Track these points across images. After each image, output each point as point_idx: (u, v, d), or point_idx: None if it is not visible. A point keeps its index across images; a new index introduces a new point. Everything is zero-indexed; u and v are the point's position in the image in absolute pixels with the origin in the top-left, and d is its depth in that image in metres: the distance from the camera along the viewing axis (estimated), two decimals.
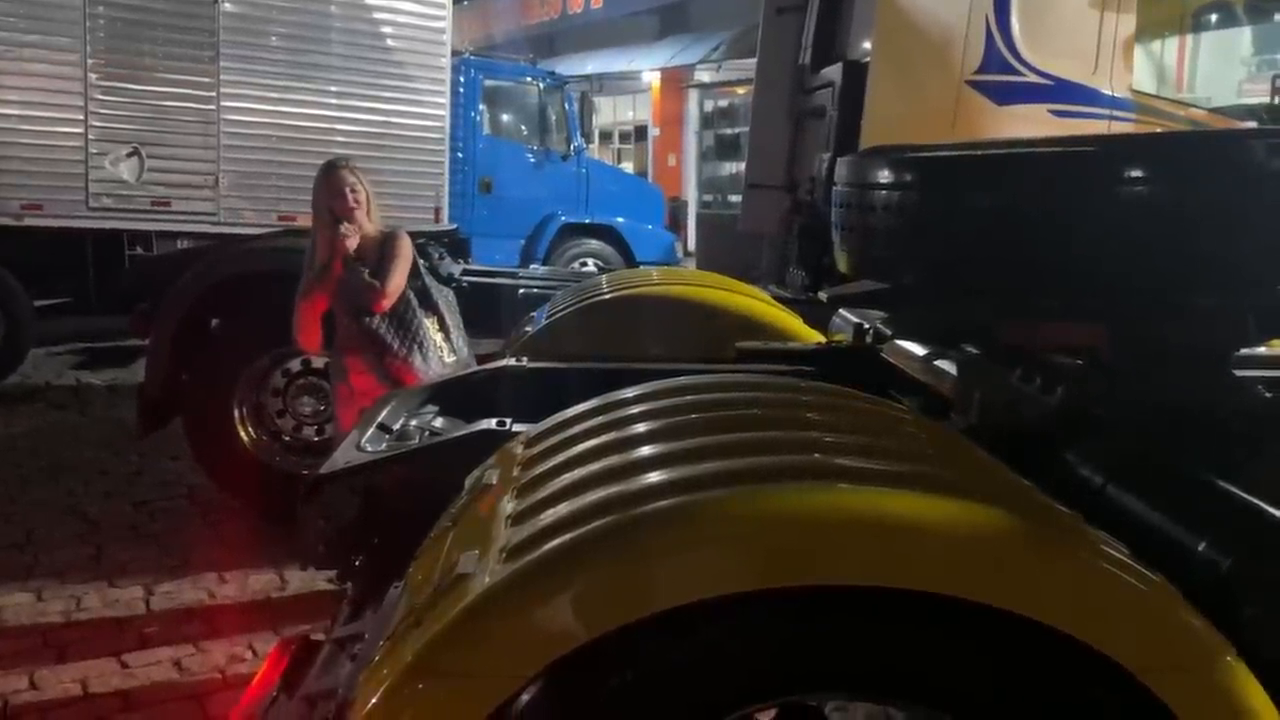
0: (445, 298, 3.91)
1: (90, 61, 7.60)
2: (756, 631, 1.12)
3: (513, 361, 2.56)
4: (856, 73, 5.49)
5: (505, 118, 10.61)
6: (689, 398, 1.58)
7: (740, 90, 14.24)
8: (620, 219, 10.53)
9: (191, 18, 7.93)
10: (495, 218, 9.76)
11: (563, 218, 10.25)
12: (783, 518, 1.11)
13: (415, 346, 3.64)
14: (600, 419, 1.55)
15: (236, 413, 4.66)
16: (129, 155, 7.81)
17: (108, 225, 7.83)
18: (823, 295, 2.84)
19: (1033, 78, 4.80)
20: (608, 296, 3.08)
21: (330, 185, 3.74)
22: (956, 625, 1.14)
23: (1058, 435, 1.70)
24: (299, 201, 8.57)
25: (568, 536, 1.14)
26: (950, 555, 1.13)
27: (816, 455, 1.28)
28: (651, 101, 19.53)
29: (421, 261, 3.90)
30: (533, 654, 1.11)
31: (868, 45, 5.52)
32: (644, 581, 1.10)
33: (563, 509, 1.22)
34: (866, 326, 2.63)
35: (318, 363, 4.80)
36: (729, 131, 12.98)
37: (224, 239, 7.61)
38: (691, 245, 14.36)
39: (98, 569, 4.19)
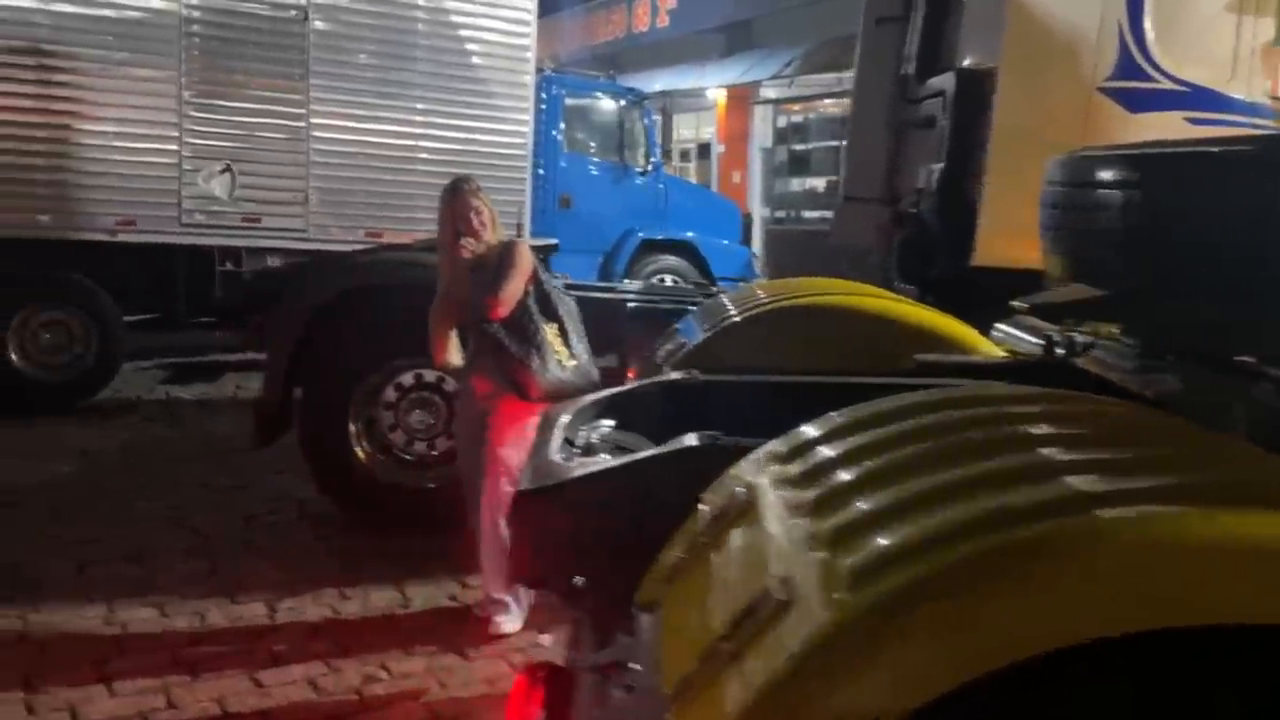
0: (567, 306, 3.88)
1: (185, 80, 7.71)
2: (1157, 678, 0.99)
3: (685, 374, 2.46)
4: (971, 81, 5.35)
5: (585, 134, 10.60)
6: (965, 412, 1.45)
7: (813, 106, 14.14)
8: (698, 234, 10.44)
9: (283, 35, 8.03)
10: (574, 233, 9.70)
11: (641, 233, 10.19)
12: (1196, 545, 0.98)
13: (534, 352, 3.62)
14: (870, 434, 1.43)
15: (352, 427, 4.62)
16: (221, 172, 7.90)
17: (199, 241, 7.91)
18: (1018, 303, 2.70)
19: (1167, 84, 4.62)
20: (770, 308, 2.96)
21: (455, 207, 3.80)
22: None
23: None
24: (385, 218, 8.69)
25: (925, 565, 1.03)
26: None
27: (1165, 475, 1.15)
28: (716, 118, 19.45)
29: (542, 271, 3.86)
30: (895, 695, 0.99)
31: (984, 53, 5.38)
32: (1029, 616, 0.98)
33: (897, 532, 1.11)
34: (1056, 337, 2.49)
35: (429, 376, 4.75)
36: (801, 147, 12.85)
37: (321, 254, 7.67)
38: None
39: (216, 584, 4.15)
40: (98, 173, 7.51)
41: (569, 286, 5.58)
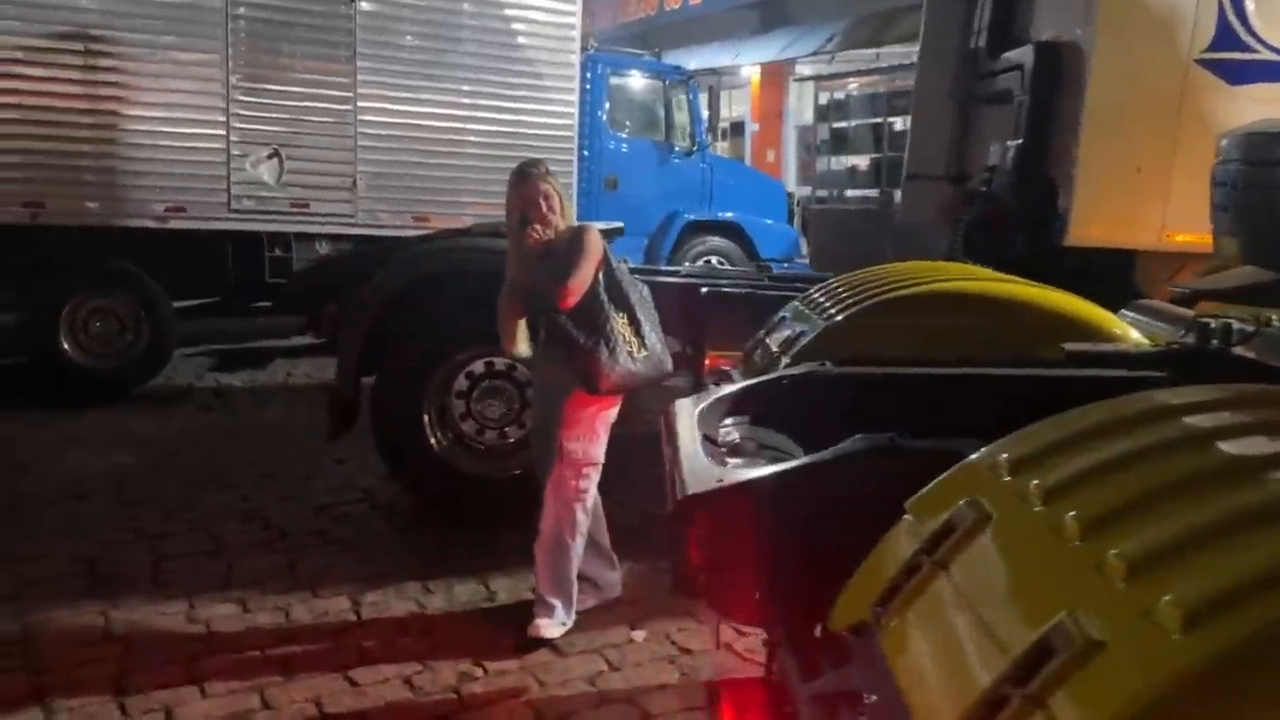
0: (639, 292, 3.73)
1: (231, 64, 7.61)
2: None
3: (815, 367, 2.35)
4: (1052, 54, 5.19)
5: (629, 114, 10.45)
6: (1230, 417, 1.32)
7: (854, 83, 13.91)
8: (744, 215, 10.28)
9: (330, 18, 7.92)
10: (620, 215, 9.53)
11: (687, 215, 10.04)
12: None
13: (602, 342, 3.46)
14: (1121, 443, 1.29)
15: (425, 416, 4.53)
16: (269, 157, 7.81)
17: (248, 227, 7.84)
18: (1178, 289, 2.57)
19: (1268, 55, 4.45)
20: (892, 296, 2.83)
21: (524, 192, 3.61)
22: None
23: None
24: (433, 202, 8.59)
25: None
26: None
27: None
28: (750, 96, 19.22)
29: (614, 257, 3.73)
30: None
31: (1065, 25, 5.20)
32: None
33: (1218, 564, 0.98)
34: (1213, 324, 2.35)
35: (500, 364, 4.65)
36: (842, 124, 12.64)
37: (379, 240, 7.60)
38: None
39: (295, 578, 4.08)
40: (146, 159, 7.44)
41: (633, 271, 5.49)
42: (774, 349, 2.73)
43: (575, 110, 8.92)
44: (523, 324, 3.68)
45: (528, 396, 4.71)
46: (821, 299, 2.96)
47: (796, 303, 3.04)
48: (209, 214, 7.67)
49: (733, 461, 1.93)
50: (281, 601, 3.85)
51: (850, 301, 2.83)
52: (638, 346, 3.57)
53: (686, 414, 2.19)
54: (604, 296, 3.53)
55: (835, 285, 3.05)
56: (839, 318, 2.73)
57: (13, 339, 7.31)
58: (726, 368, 3.50)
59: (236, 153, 7.69)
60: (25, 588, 3.95)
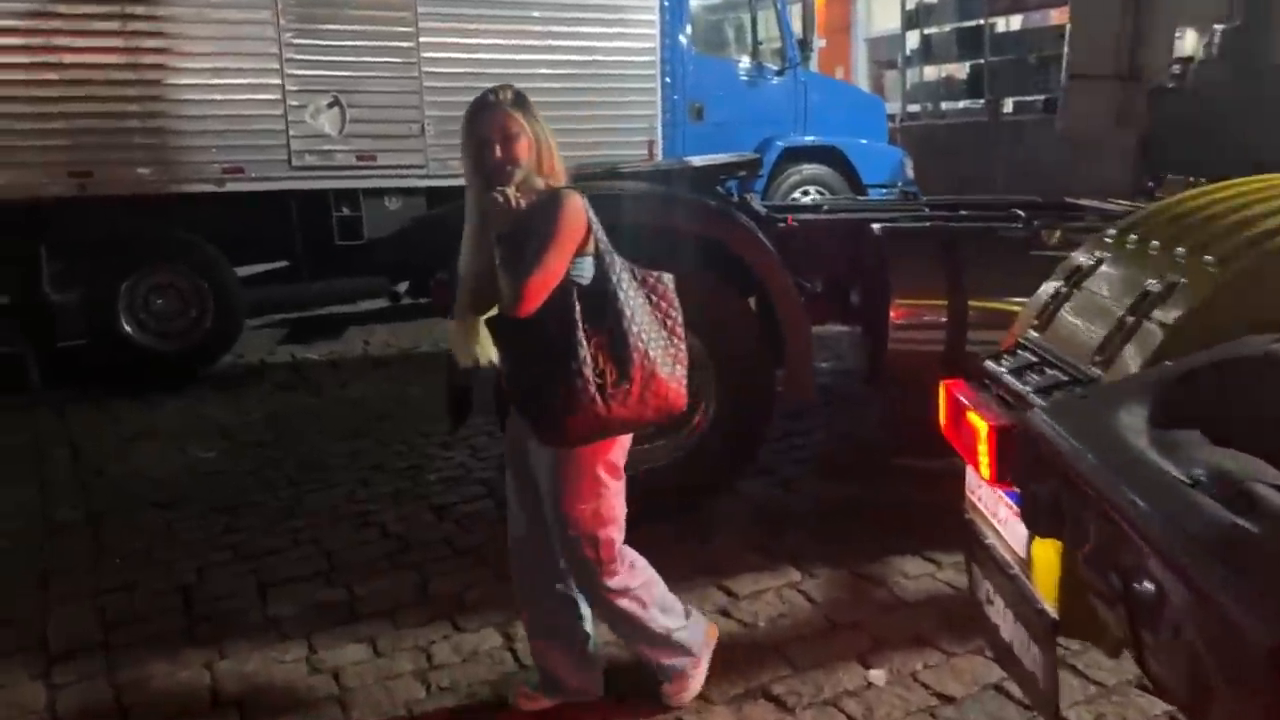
0: (631, 302, 2.42)
1: (281, 7, 6.86)
2: None
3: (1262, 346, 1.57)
4: None
5: (715, 33, 9.49)
6: None
7: None
8: (844, 138, 9.34)
9: None
10: (708, 146, 8.68)
11: (781, 142, 9.14)
12: None
13: (559, 370, 2.35)
14: None
15: None
16: (329, 106, 7.12)
17: (312, 185, 7.17)
18: None
19: None
20: None
21: (481, 132, 2.38)
22: None
23: None
24: None
25: None
26: None
27: None
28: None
29: (602, 242, 2.44)
30: None
31: None
32: None
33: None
34: None
35: None
36: (934, 30, 11.56)
37: (446, 194, 6.95)
38: None
39: (430, 604, 3.40)
40: (197, 117, 6.78)
41: (775, 210, 4.70)
42: (1118, 309, 1.94)
43: (656, 34, 8.07)
44: (482, 326, 2.51)
45: None
46: (1164, 229, 2.10)
47: (1106, 238, 2.25)
48: (269, 173, 7.02)
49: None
50: (419, 638, 3.18)
51: (1244, 233, 1.96)
52: (614, 378, 2.37)
53: (1103, 436, 1.42)
54: (575, 305, 2.36)
55: (1182, 209, 2.17)
56: (1245, 260, 1.86)
57: (72, 322, 6.74)
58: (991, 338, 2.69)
59: (294, 103, 7.00)
60: (112, 631, 3.32)
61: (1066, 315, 2.17)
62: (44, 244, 6.61)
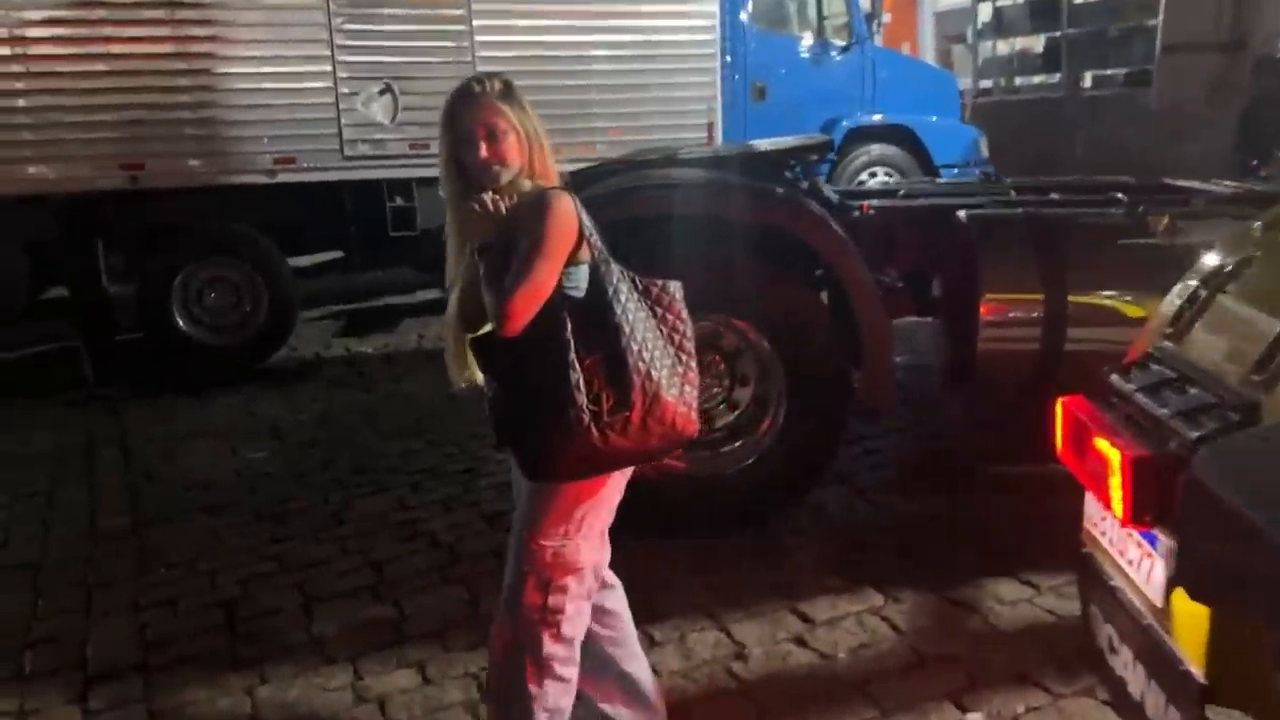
0: (630, 316, 2.08)
1: None
2: None
3: None
4: None
5: (776, 8, 9.13)
6: None
7: None
8: (914, 116, 8.93)
9: None
10: (770, 128, 8.35)
11: (846, 122, 8.77)
12: None
13: (550, 404, 2.03)
14: None
15: None
16: (381, 93, 6.94)
17: (365, 175, 7.00)
18: None
19: None
20: None
21: (460, 128, 2.10)
22: None
23: None
24: (562, 130, 7.53)
25: None
26: None
27: None
28: None
29: (597, 248, 2.11)
30: None
31: None
32: None
33: None
34: None
35: (724, 340, 3.64)
36: (1010, 2, 11.03)
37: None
38: None
39: (480, 624, 3.11)
40: (247, 106, 6.64)
41: (846, 196, 4.39)
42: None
43: (716, 10, 7.75)
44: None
45: (739, 372, 3.71)
46: None
47: (1253, 231, 1.94)
48: (321, 163, 6.86)
49: None
50: (469, 663, 2.96)
51: None
52: (611, 404, 2.04)
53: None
54: (566, 323, 2.03)
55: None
56: None
57: (129, 316, 6.68)
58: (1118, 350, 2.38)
59: (345, 91, 6.83)
60: (153, 651, 3.16)
61: (1209, 323, 1.86)
62: (101, 238, 6.56)
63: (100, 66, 6.24)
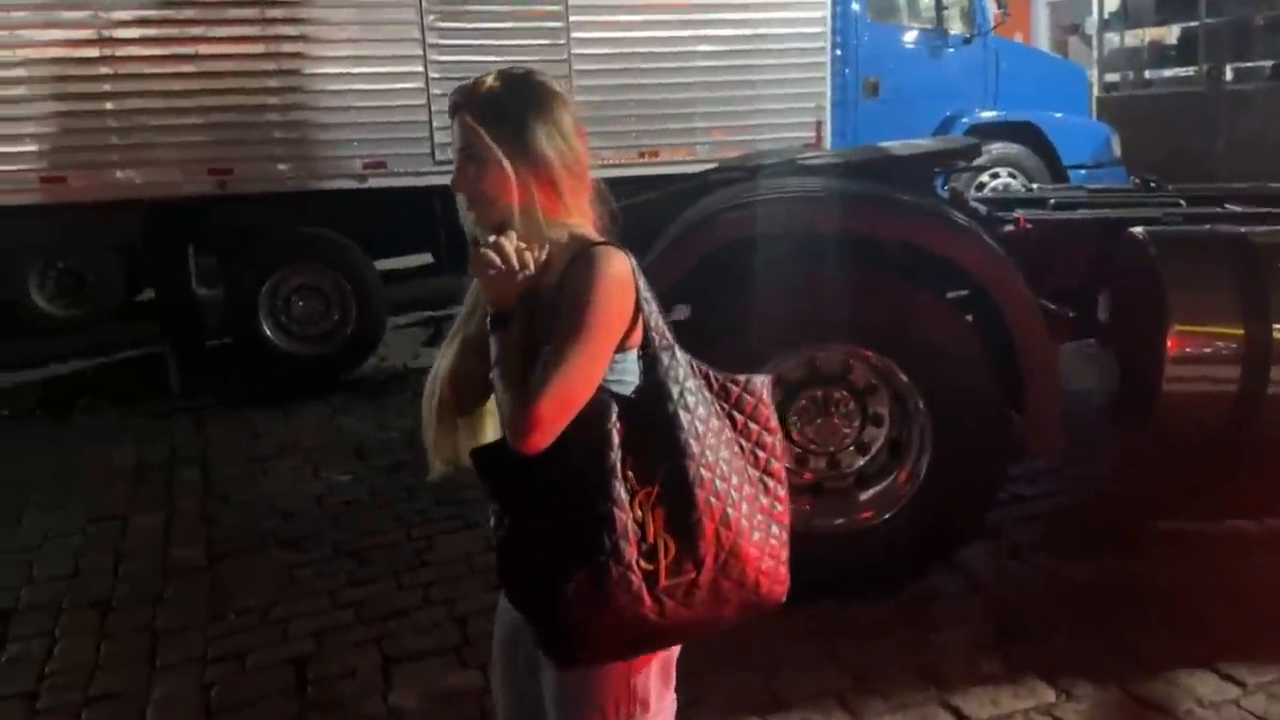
0: (685, 434, 1.48)
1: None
2: None
3: None
4: None
5: None
6: None
7: None
8: (1040, 113, 8.27)
9: None
10: (884, 126, 7.83)
11: (966, 118, 8.16)
12: None
13: (586, 546, 1.45)
14: None
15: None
16: None
17: None
18: None
19: None
20: None
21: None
22: None
23: None
24: (660, 131, 7.14)
25: None
26: None
27: None
28: None
29: (656, 330, 1.53)
30: None
31: None
32: None
33: None
34: None
35: (828, 364, 3.19)
36: None
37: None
38: None
39: None
40: (338, 109, 6.42)
41: (988, 204, 3.88)
42: None
43: (826, 1, 7.25)
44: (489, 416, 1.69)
45: (871, 410, 3.23)
46: None
47: None
48: (412, 168, 6.59)
49: None
50: None
51: None
52: (671, 558, 1.48)
53: None
54: (615, 439, 1.46)
55: None
56: None
57: (215, 320, 6.54)
58: None
59: (437, 92, 6.52)
60: (215, 718, 2.86)
61: None
62: (192, 242, 6.41)
63: (188, 68, 6.06)
